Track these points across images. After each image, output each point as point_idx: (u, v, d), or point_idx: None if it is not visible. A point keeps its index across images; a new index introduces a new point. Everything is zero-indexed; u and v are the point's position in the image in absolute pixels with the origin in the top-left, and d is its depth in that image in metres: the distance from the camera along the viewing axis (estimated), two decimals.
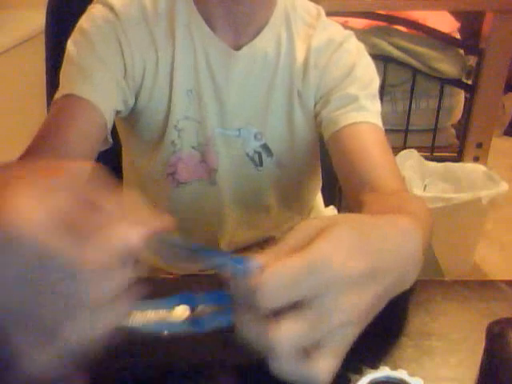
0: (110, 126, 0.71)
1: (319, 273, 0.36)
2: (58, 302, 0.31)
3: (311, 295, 0.36)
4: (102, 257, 0.32)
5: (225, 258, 0.38)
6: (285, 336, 0.35)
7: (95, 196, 0.34)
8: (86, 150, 0.68)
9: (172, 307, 0.39)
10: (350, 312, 0.37)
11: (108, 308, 0.33)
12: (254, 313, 0.36)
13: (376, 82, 0.79)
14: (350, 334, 0.38)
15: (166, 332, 0.38)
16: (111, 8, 0.73)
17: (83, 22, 0.73)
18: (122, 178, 0.92)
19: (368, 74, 0.78)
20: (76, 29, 0.73)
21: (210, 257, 0.38)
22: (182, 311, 0.39)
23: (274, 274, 0.35)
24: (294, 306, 0.36)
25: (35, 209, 0.31)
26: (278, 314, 0.36)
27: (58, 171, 0.34)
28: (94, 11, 0.73)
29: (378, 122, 0.75)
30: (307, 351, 0.36)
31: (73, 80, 0.70)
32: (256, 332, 0.36)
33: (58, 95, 0.70)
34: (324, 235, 0.38)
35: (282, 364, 0.36)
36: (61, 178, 0.33)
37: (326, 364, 0.36)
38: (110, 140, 0.73)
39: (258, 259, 0.38)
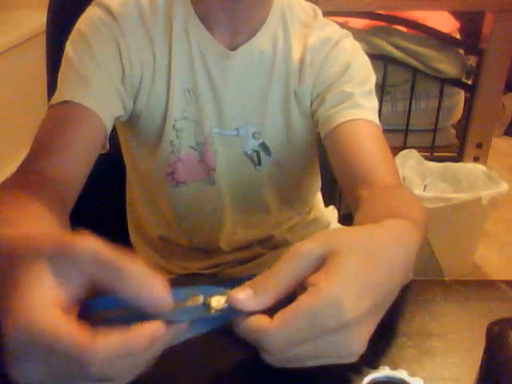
0: (109, 132, 0.71)
1: (328, 317, 0.36)
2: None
3: (319, 334, 0.37)
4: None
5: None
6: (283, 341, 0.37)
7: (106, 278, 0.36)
8: (88, 157, 0.69)
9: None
10: (358, 346, 0.38)
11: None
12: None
13: (372, 79, 0.79)
14: (351, 359, 0.40)
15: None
16: (109, 10, 0.72)
17: (81, 23, 0.73)
18: (122, 178, 0.92)
19: (364, 72, 0.78)
20: (74, 30, 0.73)
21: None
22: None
23: (281, 324, 0.36)
24: None
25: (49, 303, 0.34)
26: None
27: (67, 250, 0.36)
28: (92, 13, 0.73)
29: (375, 118, 0.75)
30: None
31: (72, 86, 0.70)
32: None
33: (56, 99, 0.69)
34: (329, 270, 0.38)
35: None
36: (71, 259, 0.36)
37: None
38: (107, 146, 0.73)
39: (253, 288, 0.38)
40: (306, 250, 0.39)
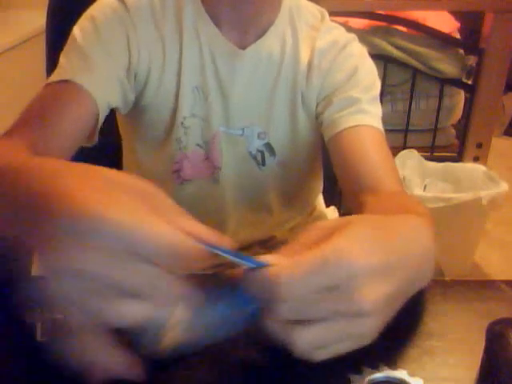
0: (101, 120, 0.70)
1: (337, 266, 0.36)
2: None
3: (330, 288, 0.37)
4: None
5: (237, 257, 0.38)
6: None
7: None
8: (74, 139, 0.68)
9: None
10: (368, 301, 0.37)
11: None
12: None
13: (378, 86, 0.79)
14: (367, 325, 0.39)
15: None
16: (122, 1, 0.72)
17: (92, 9, 0.73)
18: None
19: (370, 78, 0.79)
20: (84, 15, 0.73)
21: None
22: None
23: (291, 269, 0.36)
24: None
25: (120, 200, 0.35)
26: None
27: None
28: (105, 1, 0.73)
29: (379, 125, 0.76)
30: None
31: (74, 66, 0.69)
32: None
33: (55, 77, 0.69)
34: (339, 233, 0.38)
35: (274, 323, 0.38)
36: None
37: (312, 337, 0.38)
38: (96, 138, 0.72)
39: (271, 257, 0.38)
40: (320, 224, 0.41)
